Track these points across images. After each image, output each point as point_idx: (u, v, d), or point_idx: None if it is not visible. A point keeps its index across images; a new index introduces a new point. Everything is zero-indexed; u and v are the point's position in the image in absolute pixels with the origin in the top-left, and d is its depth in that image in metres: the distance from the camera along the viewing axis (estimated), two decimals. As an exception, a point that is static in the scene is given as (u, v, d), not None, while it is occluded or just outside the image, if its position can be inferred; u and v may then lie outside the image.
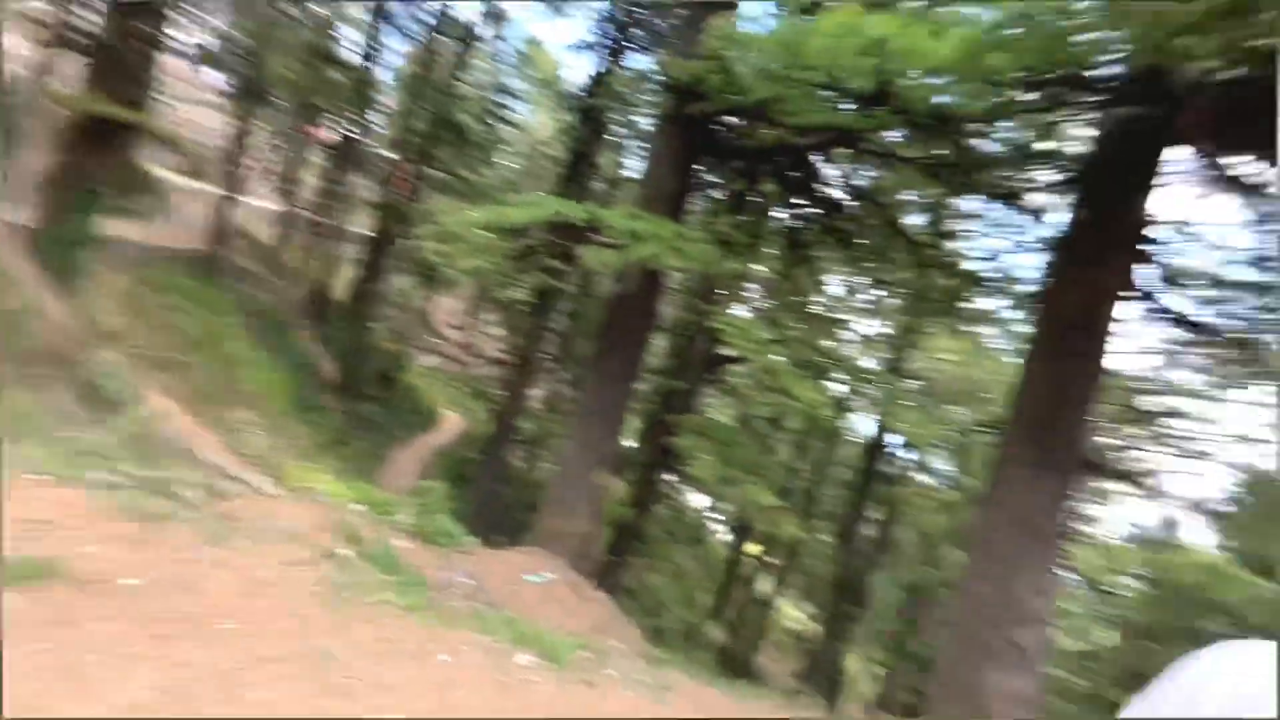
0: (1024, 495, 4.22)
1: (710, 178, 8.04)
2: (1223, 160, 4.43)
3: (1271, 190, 4.30)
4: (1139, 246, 4.49)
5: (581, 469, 7.29)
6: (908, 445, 14.49)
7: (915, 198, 6.55)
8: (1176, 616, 11.57)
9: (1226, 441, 8.34)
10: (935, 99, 4.20)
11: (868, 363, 13.03)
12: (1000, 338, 10.12)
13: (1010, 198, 4.86)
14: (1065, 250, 4.55)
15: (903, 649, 15.98)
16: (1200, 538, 13.79)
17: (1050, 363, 4.41)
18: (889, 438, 14.29)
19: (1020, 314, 7.06)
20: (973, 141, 4.76)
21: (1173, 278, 4.81)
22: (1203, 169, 4.47)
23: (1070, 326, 4.34)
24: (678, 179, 7.05)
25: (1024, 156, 4.78)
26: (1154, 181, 4.35)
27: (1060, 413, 4.28)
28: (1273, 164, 4.23)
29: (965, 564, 4.67)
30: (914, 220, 6.74)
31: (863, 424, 14.99)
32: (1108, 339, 4.51)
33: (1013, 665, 4.01)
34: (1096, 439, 5.53)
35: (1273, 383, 5.90)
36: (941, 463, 15.72)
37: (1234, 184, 4.53)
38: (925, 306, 7.20)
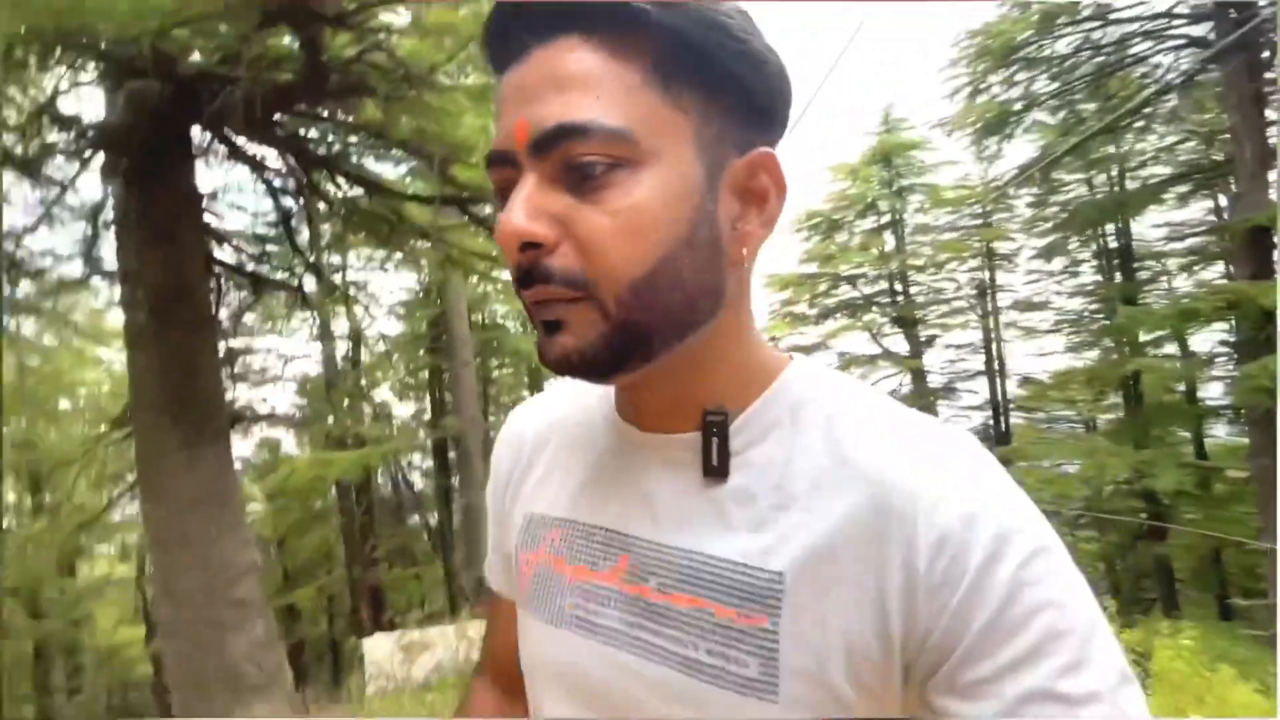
0: (189, 477, 4.18)
1: None
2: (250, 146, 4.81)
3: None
4: (201, 215, 4.72)
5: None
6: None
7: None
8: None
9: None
10: None
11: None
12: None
13: (20, 166, 4.17)
14: (134, 231, 4.38)
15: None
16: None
17: (165, 342, 4.29)
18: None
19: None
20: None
21: (223, 239, 5.37)
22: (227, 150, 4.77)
23: (173, 301, 4.28)
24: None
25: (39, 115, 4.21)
26: (194, 156, 4.51)
27: (192, 385, 4.30)
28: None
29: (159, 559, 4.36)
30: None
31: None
32: (208, 302, 4.72)
33: (238, 624, 4.14)
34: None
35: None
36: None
37: (254, 163, 5.01)
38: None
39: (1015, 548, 0.39)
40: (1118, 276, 12.43)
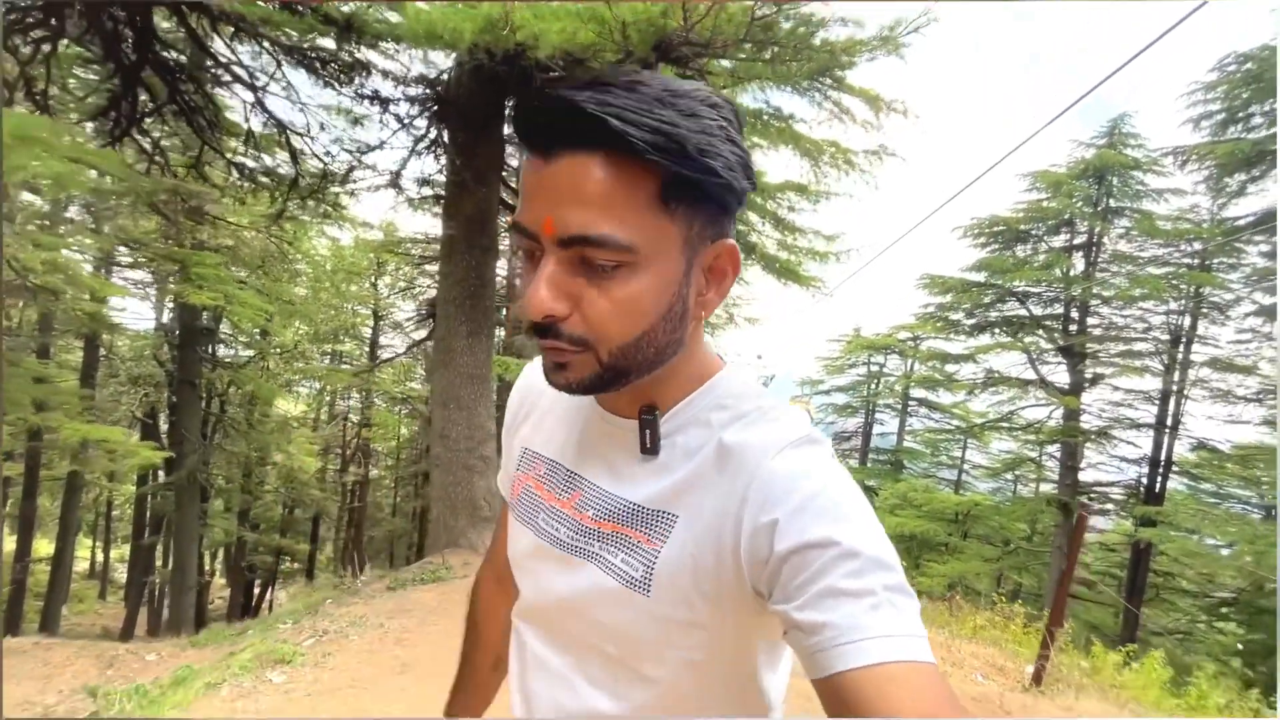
0: (466, 357, 5.84)
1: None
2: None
3: None
4: (504, 163, 6.12)
5: None
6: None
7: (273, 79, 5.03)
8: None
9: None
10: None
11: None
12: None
13: (384, 102, 5.18)
14: (457, 163, 5.75)
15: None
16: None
17: (465, 255, 5.90)
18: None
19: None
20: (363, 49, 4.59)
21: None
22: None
23: (476, 230, 5.89)
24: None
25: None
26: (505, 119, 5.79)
27: (480, 292, 5.95)
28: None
29: (439, 412, 6.00)
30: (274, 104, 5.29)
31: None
32: (498, 234, 6.26)
33: (483, 471, 5.72)
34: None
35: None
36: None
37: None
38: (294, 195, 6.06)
39: (822, 502, 0.52)
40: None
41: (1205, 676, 4.77)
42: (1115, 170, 12.40)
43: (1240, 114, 9.25)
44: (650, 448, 0.62)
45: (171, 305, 9.97)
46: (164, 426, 13.48)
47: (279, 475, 16.09)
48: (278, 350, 15.01)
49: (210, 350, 11.95)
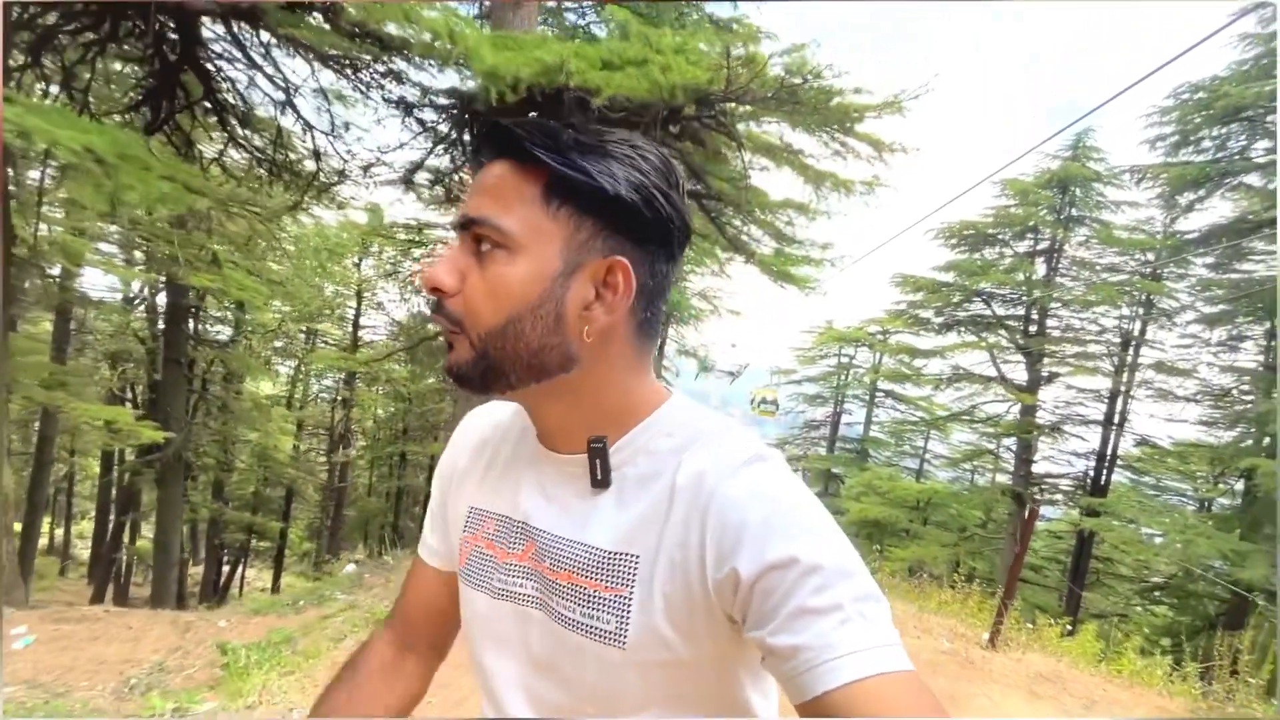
0: None
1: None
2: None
3: None
4: None
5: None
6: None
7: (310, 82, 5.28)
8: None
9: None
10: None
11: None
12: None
13: (409, 107, 5.22)
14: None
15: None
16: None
17: None
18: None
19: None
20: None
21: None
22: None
23: None
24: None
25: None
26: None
27: None
28: None
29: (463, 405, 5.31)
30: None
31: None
32: None
33: None
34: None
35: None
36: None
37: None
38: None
39: (780, 520, 0.53)
40: (1283, 364, 11.65)
41: (1132, 648, 5.39)
42: (1078, 182, 13.09)
43: (1192, 137, 9.95)
44: (601, 479, 0.62)
45: (163, 282, 9.94)
46: (139, 403, 13.40)
47: (254, 454, 16.08)
48: (260, 330, 14.94)
49: (194, 329, 11.92)
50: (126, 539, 16.19)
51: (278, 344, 16.58)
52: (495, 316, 0.57)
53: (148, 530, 18.42)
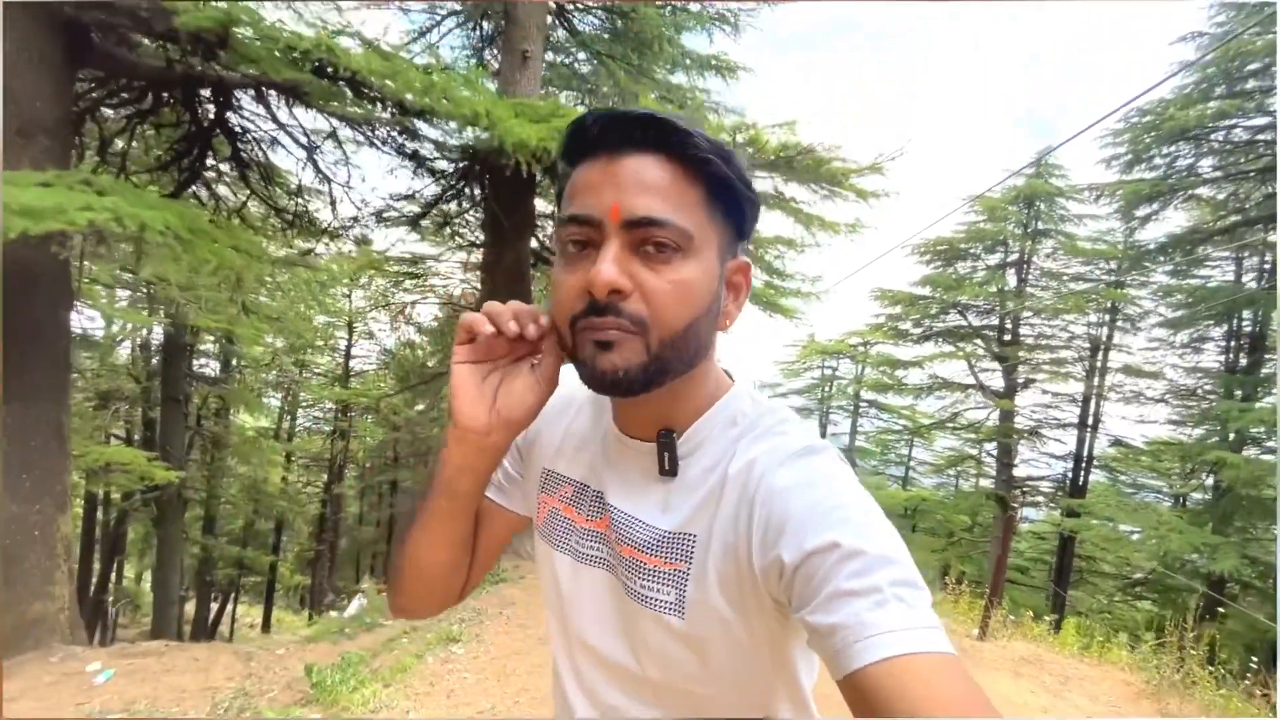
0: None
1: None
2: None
3: None
4: (534, 224, 6.62)
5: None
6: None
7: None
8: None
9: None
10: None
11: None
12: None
13: (422, 160, 5.67)
14: (500, 220, 6.10)
15: None
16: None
17: (493, 295, 5.80)
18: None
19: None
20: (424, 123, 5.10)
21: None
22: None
23: (513, 278, 6.26)
24: (61, 102, 3.90)
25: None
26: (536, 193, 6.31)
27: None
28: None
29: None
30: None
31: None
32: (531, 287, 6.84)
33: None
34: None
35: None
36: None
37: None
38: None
39: (823, 510, 0.54)
40: (1243, 362, 12.29)
41: (1117, 644, 5.75)
42: (1042, 197, 13.74)
43: (1144, 156, 10.64)
44: (669, 470, 0.65)
45: (165, 322, 10.06)
46: (131, 441, 13.35)
47: (244, 487, 16.03)
48: (254, 364, 15.00)
49: (189, 366, 12.00)
50: (113, 580, 15.98)
51: (268, 376, 16.61)
52: (680, 319, 0.58)
53: (130, 570, 18.13)
